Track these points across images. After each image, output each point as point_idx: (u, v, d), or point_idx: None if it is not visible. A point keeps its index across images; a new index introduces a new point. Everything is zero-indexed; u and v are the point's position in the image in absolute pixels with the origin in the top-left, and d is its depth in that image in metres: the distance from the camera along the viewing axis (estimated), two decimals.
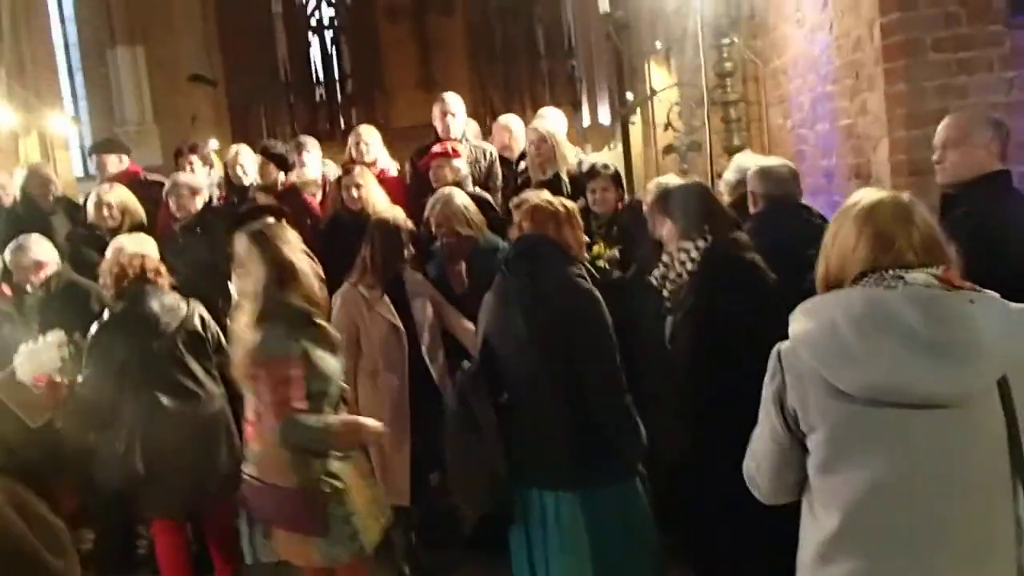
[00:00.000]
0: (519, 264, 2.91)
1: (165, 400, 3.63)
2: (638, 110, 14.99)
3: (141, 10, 18.90)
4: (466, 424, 2.82)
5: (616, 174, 4.62)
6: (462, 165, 4.78)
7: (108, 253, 3.90)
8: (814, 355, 1.71)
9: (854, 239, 1.77)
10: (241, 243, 3.08)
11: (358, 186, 4.69)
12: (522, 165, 5.21)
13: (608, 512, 2.81)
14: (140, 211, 5.21)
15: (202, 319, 3.80)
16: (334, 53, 22.36)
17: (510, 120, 5.61)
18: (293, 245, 3.06)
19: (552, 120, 5.44)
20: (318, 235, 4.72)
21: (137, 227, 5.12)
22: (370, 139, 5.25)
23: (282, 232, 3.10)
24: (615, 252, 3.98)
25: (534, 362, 2.80)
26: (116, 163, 5.83)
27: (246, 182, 5.35)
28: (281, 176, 5.20)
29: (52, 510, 4.52)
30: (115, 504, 4.02)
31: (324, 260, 4.36)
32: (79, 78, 19.98)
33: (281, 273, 2.95)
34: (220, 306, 4.09)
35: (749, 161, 4.07)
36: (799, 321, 1.77)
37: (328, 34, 22.38)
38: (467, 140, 5.25)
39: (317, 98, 22.42)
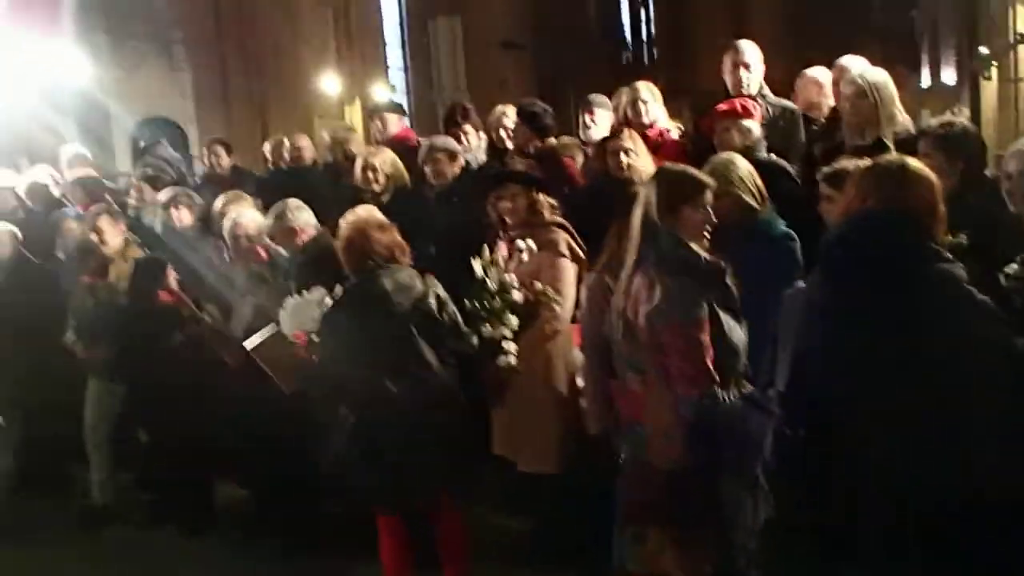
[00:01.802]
0: (877, 255, 1.94)
1: (391, 385, 3.30)
2: (993, 64, 12.70)
3: None
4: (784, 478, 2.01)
5: (954, 136, 3.47)
6: (754, 127, 3.94)
7: (343, 226, 3.65)
8: None
9: None
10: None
11: (625, 151, 4.07)
12: (815, 127, 4.30)
13: None
14: (405, 176, 5.01)
15: (439, 299, 3.42)
16: (643, 16, 21.70)
17: (820, 73, 4.62)
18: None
19: (865, 69, 4.37)
20: (574, 204, 4.18)
21: (401, 192, 4.96)
22: (648, 97, 4.56)
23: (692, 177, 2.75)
24: (962, 239, 2.93)
25: (904, 403, 1.86)
26: (396, 123, 5.71)
27: (509, 145, 4.94)
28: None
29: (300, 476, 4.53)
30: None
31: (581, 234, 3.92)
32: (401, 50, 21.36)
33: (681, 216, 2.61)
34: (463, 285, 3.70)
35: None
36: None
37: None
38: (763, 97, 4.38)
39: (624, 61, 21.98)
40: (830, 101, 4.45)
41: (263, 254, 4.24)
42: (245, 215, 4.53)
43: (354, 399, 3.36)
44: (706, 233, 2.68)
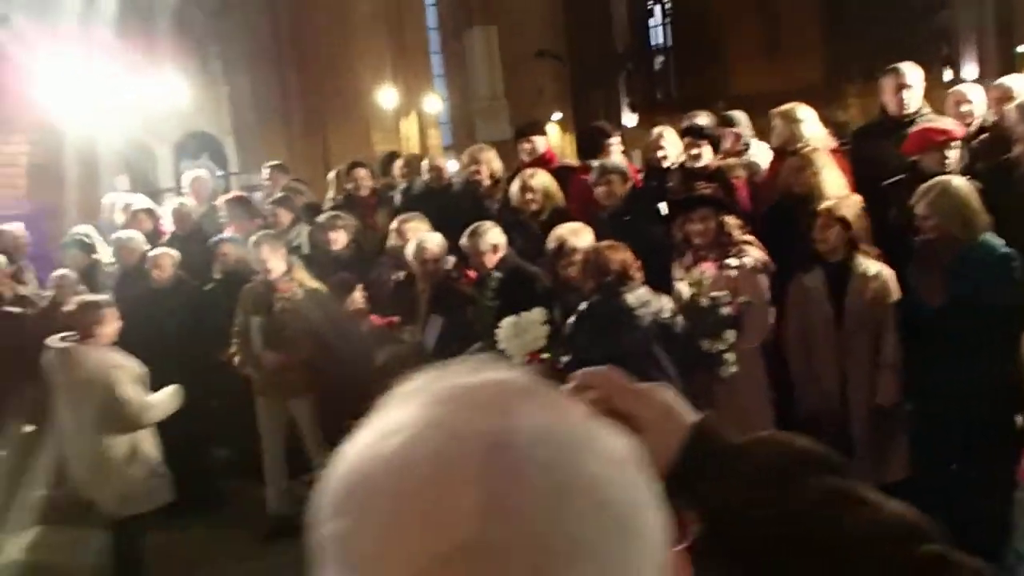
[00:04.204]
0: None
1: None
2: None
3: None
4: None
5: None
6: (958, 149, 4.16)
7: (552, 244, 3.93)
8: None
9: None
10: None
11: (803, 169, 4.32)
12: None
13: None
14: (560, 196, 5.27)
15: (672, 313, 3.67)
16: (673, 21, 21.90)
17: (967, 90, 4.86)
18: None
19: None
20: (754, 221, 4.43)
21: (557, 212, 5.19)
22: (804, 116, 4.79)
23: None
24: None
25: None
26: (543, 144, 5.93)
27: (665, 164, 5.17)
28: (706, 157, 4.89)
29: None
30: None
31: (766, 248, 4.17)
32: (436, 59, 21.55)
33: None
34: None
35: None
36: None
37: (670, 2, 21.97)
38: (922, 115, 4.62)
39: (655, 67, 22.18)
40: (977, 116, 4.70)
41: (473, 275, 4.47)
42: (430, 237, 4.77)
43: None
44: None
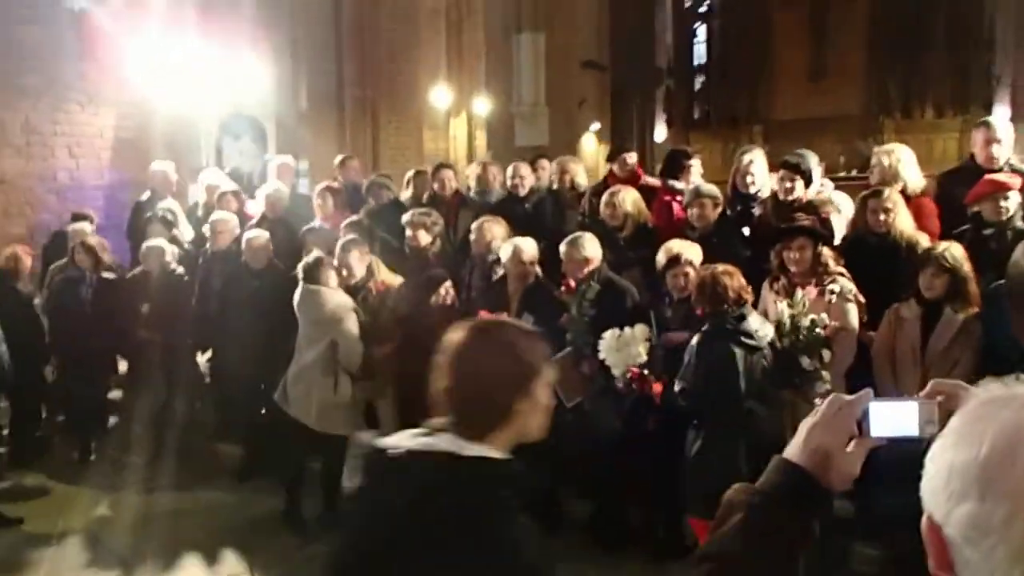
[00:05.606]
0: None
1: (757, 408, 3.82)
2: None
3: None
4: None
5: None
6: (1016, 199, 4.40)
7: (664, 255, 4.33)
8: None
9: None
10: None
11: (886, 210, 4.55)
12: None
13: None
14: (645, 214, 5.50)
15: (772, 332, 3.93)
16: (719, 40, 22.02)
17: None
18: None
19: None
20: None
21: (640, 229, 5.41)
22: (903, 156, 4.99)
23: None
24: None
25: None
26: (635, 162, 6.17)
27: (752, 190, 5.36)
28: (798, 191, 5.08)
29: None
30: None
31: None
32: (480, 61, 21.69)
33: None
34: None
35: None
36: None
37: (716, 21, 22.08)
38: (1010, 165, 4.83)
39: (697, 86, 22.31)
40: None
41: (572, 284, 4.68)
42: (526, 242, 4.99)
43: (721, 419, 3.84)
44: None
